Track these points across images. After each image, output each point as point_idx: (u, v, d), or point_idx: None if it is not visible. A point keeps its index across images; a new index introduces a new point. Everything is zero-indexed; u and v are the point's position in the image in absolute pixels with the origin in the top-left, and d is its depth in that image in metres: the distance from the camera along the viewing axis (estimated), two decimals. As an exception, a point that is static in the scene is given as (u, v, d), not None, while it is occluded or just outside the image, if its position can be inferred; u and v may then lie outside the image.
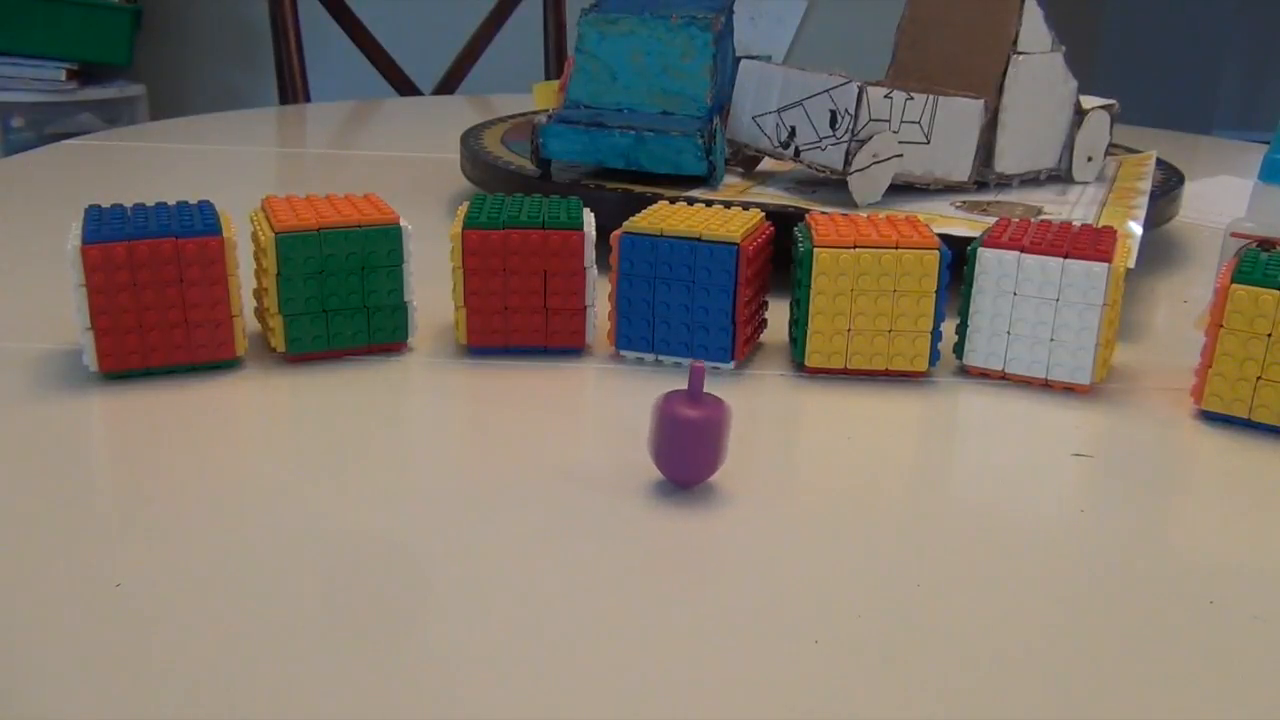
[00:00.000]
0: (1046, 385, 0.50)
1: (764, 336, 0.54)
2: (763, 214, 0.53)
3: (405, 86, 1.61)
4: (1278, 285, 0.44)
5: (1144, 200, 0.68)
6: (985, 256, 0.49)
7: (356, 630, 0.31)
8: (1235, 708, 0.30)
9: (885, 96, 0.63)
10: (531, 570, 0.35)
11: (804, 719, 0.28)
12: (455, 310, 0.51)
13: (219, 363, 0.48)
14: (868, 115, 0.63)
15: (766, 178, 0.71)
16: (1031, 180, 0.73)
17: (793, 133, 0.66)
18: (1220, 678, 0.31)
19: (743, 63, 0.69)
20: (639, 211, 0.51)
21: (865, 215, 0.52)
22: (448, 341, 0.53)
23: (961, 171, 0.69)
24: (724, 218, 0.51)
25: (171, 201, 0.50)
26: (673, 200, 0.54)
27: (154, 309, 0.46)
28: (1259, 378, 0.45)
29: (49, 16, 2.23)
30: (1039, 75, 0.70)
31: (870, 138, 0.63)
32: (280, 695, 0.29)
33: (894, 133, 0.64)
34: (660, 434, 0.39)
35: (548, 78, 1.61)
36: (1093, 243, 0.48)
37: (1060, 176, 0.74)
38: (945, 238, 0.50)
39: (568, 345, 0.51)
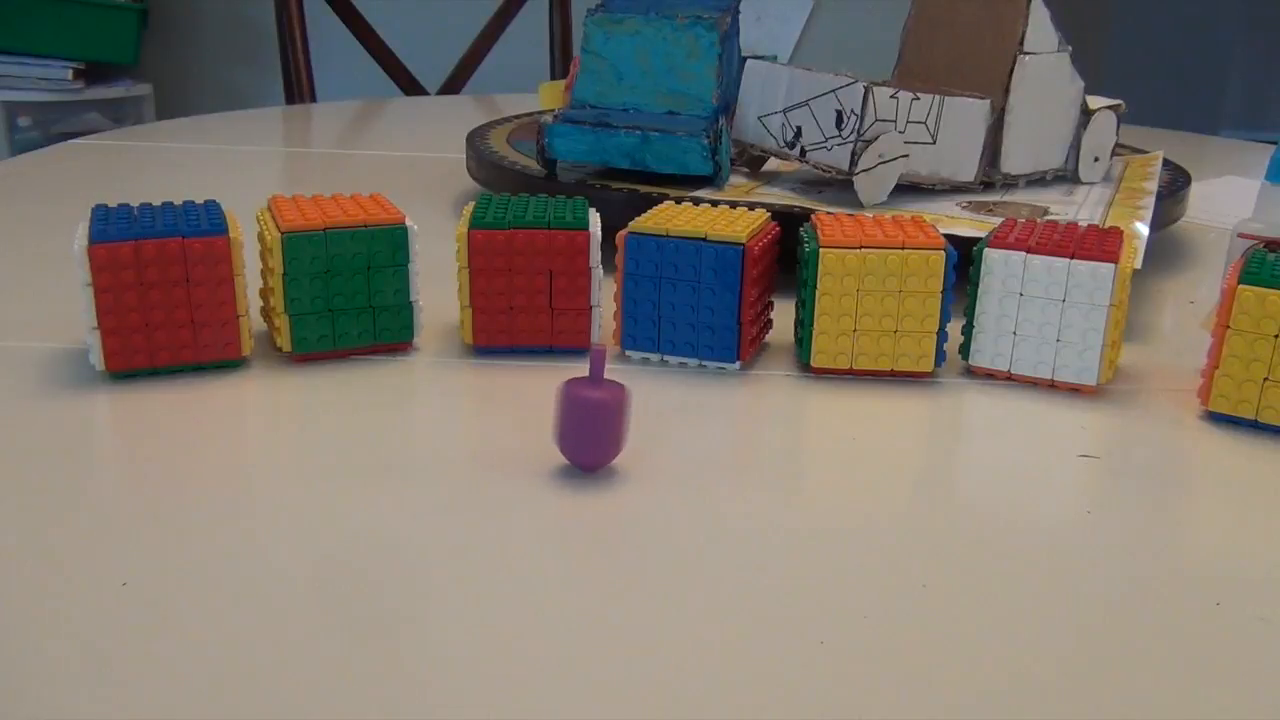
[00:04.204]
0: (1052, 386, 0.49)
1: (769, 337, 0.54)
2: (768, 214, 0.53)
3: (411, 86, 1.61)
4: (1285, 286, 0.44)
5: (1150, 201, 0.68)
6: (991, 257, 0.49)
7: (361, 630, 0.31)
8: (1242, 709, 0.29)
9: (891, 96, 0.63)
10: (538, 571, 0.35)
11: (809, 719, 0.28)
12: (461, 310, 0.51)
13: (225, 362, 0.49)
14: (874, 115, 0.63)
15: (772, 178, 0.71)
16: (1038, 180, 0.73)
17: (798, 133, 0.66)
18: (1227, 679, 0.31)
19: (748, 63, 0.69)
20: (645, 211, 0.51)
21: (871, 215, 0.52)
22: (453, 341, 0.53)
23: (967, 172, 0.69)
24: (730, 218, 0.51)
25: (178, 201, 0.50)
26: (678, 200, 0.54)
27: (160, 308, 0.46)
28: (1266, 379, 0.45)
29: (55, 16, 2.23)
30: (1045, 75, 0.70)
31: (876, 138, 0.63)
32: (285, 694, 0.29)
33: (900, 133, 0.64)
34: (562, 419, 0.40)
35: (553, 78, 1.61)
36: (1099, 243, 0.48)
37: (1066, 177, 0.74)
38: (951, 238, 0.50)
39: (573, 345, 0.51)
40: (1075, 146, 0.73)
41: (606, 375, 0.40)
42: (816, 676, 0.30)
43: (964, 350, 0.51)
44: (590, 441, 0.40)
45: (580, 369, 0.40)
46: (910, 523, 0.39)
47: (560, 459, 0.41)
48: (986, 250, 0.49)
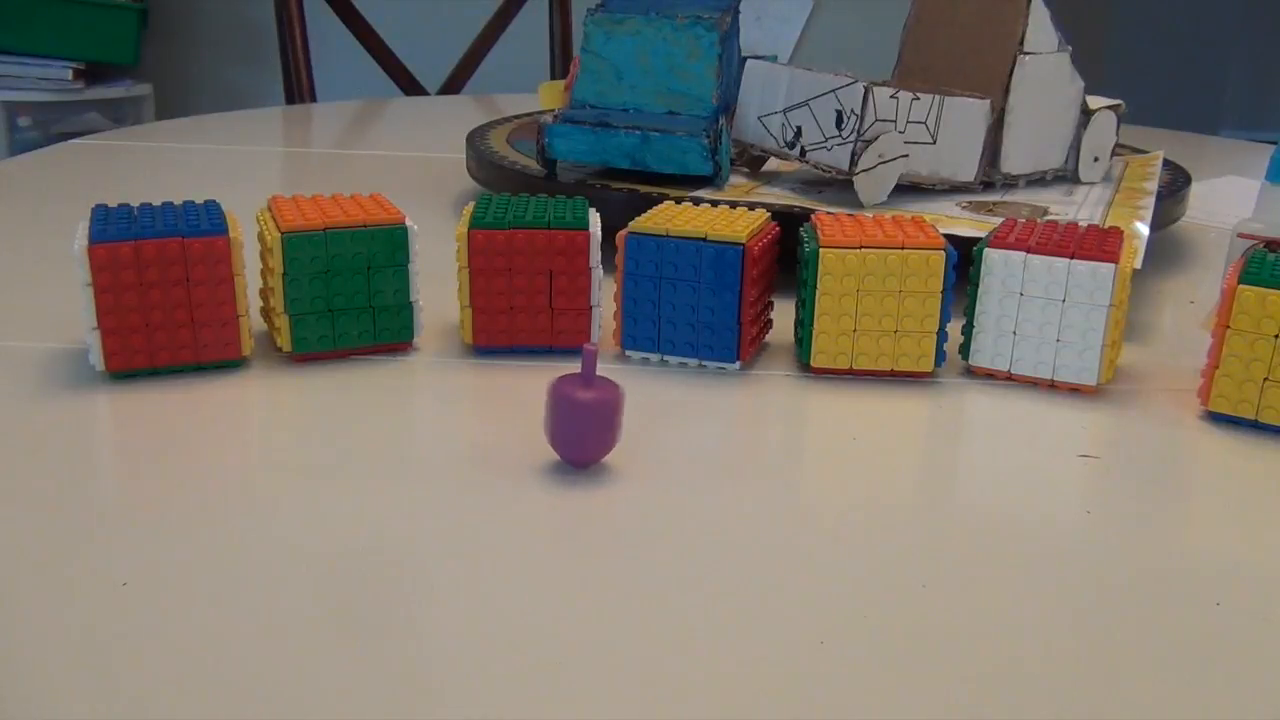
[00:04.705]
0: (1052, 386, 0.49)
1: (770, 337, 0.54)
2: (768, 214, 0.53)
3: (411, 86, 1.61)
4: (1285, 286, 0.44)
5: (1150, 201, 0.68)
6: (991, 257, 0.49)
7: (360, 630, 0.31)
8: (1242, 708, 0.29)
9: (891, 97, 0.63)
10: (538, 570, 0.35)
11: (809, 719, 0.28)
12: (461, 310, 0.51)
13: (225, 362, 0.49)
14: (874, 115, 0.63)
15: (772, 178, 0.71)
16: (1038, 180, 0.73)
17: (798, 133, 0.66)
18: (1227, 679, 0.31)
19: (749, 63, 0.69)
20: (645, 211, 0.51)
21: (871, 215, 0.52)
22: (453, 341, 0.53)
23: (967, 172, 0.69)
24: (730, 218, 0.51)
25: (178, 201, 0.50)
26: (678, 200, 0.54)
27: (160, 309, 0.46)
28: (1265, 379, 0.45)
29: (56, 16, 2.24)
30: (1045, 75, 0.70)
31: (876, 138, 0.63)
32: (285, 693, 0.29)
33: (900, 133, 0.64)
34: (553, 417, 0.40)
35: (553, 78, 1.61)
36: (1099, 243, 0.48)
37: (1066, 177, 0.74)
38: (951, 238, 0.50)
39: (573, 345, 0.51)
40: (1075, 146, 0.73)
41: (598, 374, 0.40)
42: (816, 676, 0.30)
43: (964, 350, 0.51)
44: (580, 439, 0.40)
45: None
46: (910, 523, 0.39)
47: (557, 459, 0.41)
48: (986, 250, 0.49)
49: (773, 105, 0.67)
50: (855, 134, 0.63)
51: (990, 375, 0.51)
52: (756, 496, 0.40)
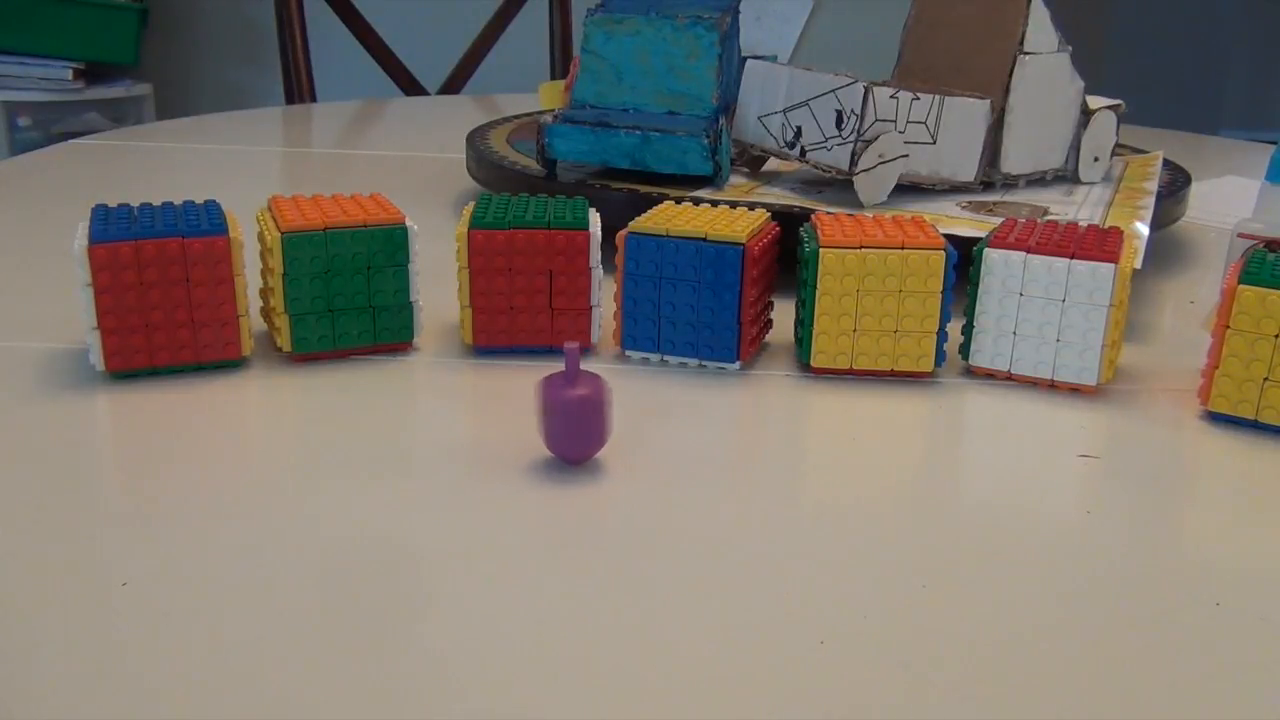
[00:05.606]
0: (1052, 386, 0.49)
1: (769, 337, 0.54)
2: (768, 214, 0.53)
3: (411, 86, 1.61)
4: (1285, 286, 0.44)
5: (1150, 201, 0.68)
6: (991, 257, 0.49)
7: (360, 630, 0.31)
8: (1241, 709, 0.29)
9: (891, 96, 0.63)
10: (539, 570, 0.35)
11: (809, 719, 0.28)
12: (461, 310, 0.51)
13: (225, 362, 0.49)
14: (874, 115, 0.63)
15: (772, 178, 0.71)
16: (1038, 180, 0.73)
17: (798, 133, 0.66)
18: (1227, 679, 0.31)
19: (749, 63, 0.69)
20: (645, 211, 0.51)
21: (871, 215, 0.52)
22: (453, 341, 0.53)
23: (967, 172, 0.69)
24: (730, 218, 0.51)
25: (178, 201, 0.50)
26: (678, 200, 0.54)
27: (160, 309, 0.46)
28: (1265, 379, 0.45)
29: (56, 16, 2.24)
30: (1045, 75, 0.70)
31: (876, 138, 0.63)
32: (284, 694, 0.29)
33: (900, 133, 0.64)
34: (544, 417, 0.40)
35: (553, 78, 1.61)
36: (1099, 243, 0.48)
37: (1066, 177, 0.74)
38: (951, 238, 0.50)
39: (573, 345, 0.51)
40: (1075, 146, 0.73)
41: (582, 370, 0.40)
42: (816, 676, 0.30)
43: (964, 350, 0.51)
44: (571, 436, 0.40)
45: (583, 368, 0.40)
46: (910, 523, 0.39)
47: (556, 459, 0.41)
48: (986, 250, 0.49)
49: (773, 105, 0.67)
50: (855, 134, 0.63)
51: (990, 375, 0.51)
52: (756, 496, 0.40)
